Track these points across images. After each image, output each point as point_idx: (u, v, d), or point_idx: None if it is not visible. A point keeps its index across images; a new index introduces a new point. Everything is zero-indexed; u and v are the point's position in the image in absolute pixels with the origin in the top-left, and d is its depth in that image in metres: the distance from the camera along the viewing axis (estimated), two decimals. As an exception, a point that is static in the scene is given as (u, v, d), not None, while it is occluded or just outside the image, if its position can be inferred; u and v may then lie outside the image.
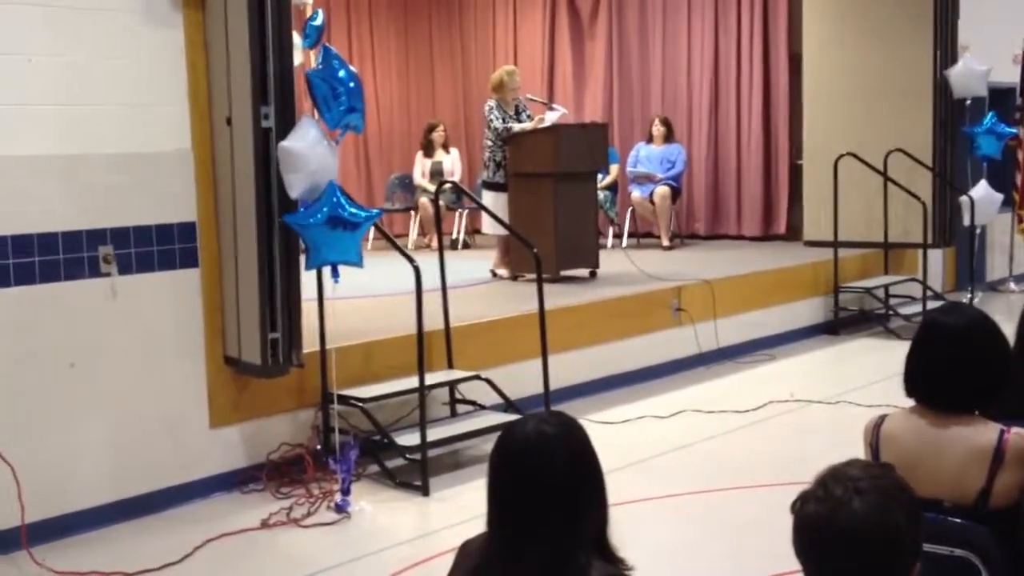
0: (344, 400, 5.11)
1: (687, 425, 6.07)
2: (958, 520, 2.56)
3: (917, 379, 2.71)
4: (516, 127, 7.87)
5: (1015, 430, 2.60)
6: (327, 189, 4.59)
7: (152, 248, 4.72)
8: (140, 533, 4.52)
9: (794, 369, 7.52)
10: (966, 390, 2.65)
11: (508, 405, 5.64)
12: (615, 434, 5.87)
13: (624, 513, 4.24)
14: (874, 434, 2.75)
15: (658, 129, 9.98)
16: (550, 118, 7.97)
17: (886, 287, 8.75)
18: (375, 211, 4.73)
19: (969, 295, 8.67)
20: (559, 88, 11.35)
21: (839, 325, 8.55)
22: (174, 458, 4.82)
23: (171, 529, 4.54)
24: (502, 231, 7.40)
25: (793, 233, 10.00)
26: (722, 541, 4.36)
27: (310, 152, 4.58)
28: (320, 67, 4.69)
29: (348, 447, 4.78)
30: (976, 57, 8.85)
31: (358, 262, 4.76)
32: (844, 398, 6.39)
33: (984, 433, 2.59)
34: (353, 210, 4.62)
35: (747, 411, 6.24)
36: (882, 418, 2.79)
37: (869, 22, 9.24)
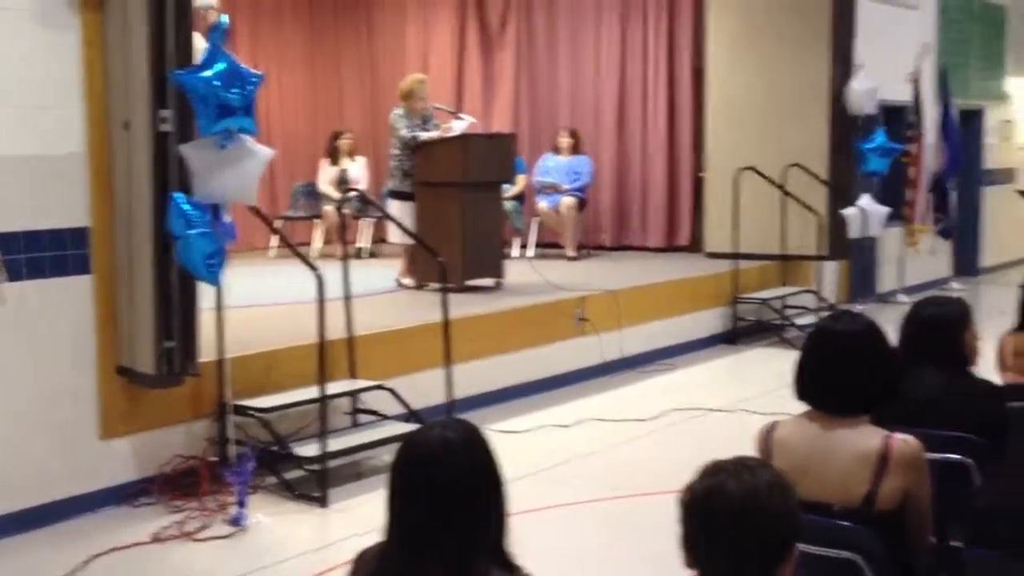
0: (242, 411, 5.02)
1: (590, 433, 6.12)
2: (845, 523, 2.62)
3: (807, 383, 2.78)
4: (423, 136, 7.85)
5: (900, 436, 2.68)
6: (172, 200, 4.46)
7: (43, 254, 4.57)
8: (27, 547, 4.37)
9: (694, 378, 7.65)
10: (853, 395, 2.73)
11: (411, 415, 5.60)
12: (519, 443, 5.88)
13: (527, 521, 4.27)
14: (766, 440, 2.81)
15: (565, 140, 10.06)
16: (457, 127, 7.97)
17: (783, 298, 8.96)
18: (198, 231, 4.50)
19: (858, 306, 8.93)
20: (468, 98, 11.35)
21: (738, 335, 8.73)
22: (63, 470, 4.66)
23: (59, 543, 4.40)
24: (408, 240, 7.36)
25: (696, 245, 10.17)
26: (623, 548, 4.40)
27: (206, 156, 4.50)
28: (201, 66, 4.51)
29: (244, 458, 4.69)
30: (872, 75, 9.14)
31: (205, 278, 4.56)
32: (741, 406, 6.52)
33: (870, 438, 2.66)
34: (193, 222, 4.44)
35: (648, 419, 6.32)
36: (774, 424, 2.85)
37: (769, 40, 9.47)
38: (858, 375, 2.72)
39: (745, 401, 6.62)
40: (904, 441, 2.65)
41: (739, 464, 1.88)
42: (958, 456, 3.15)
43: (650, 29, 10.47)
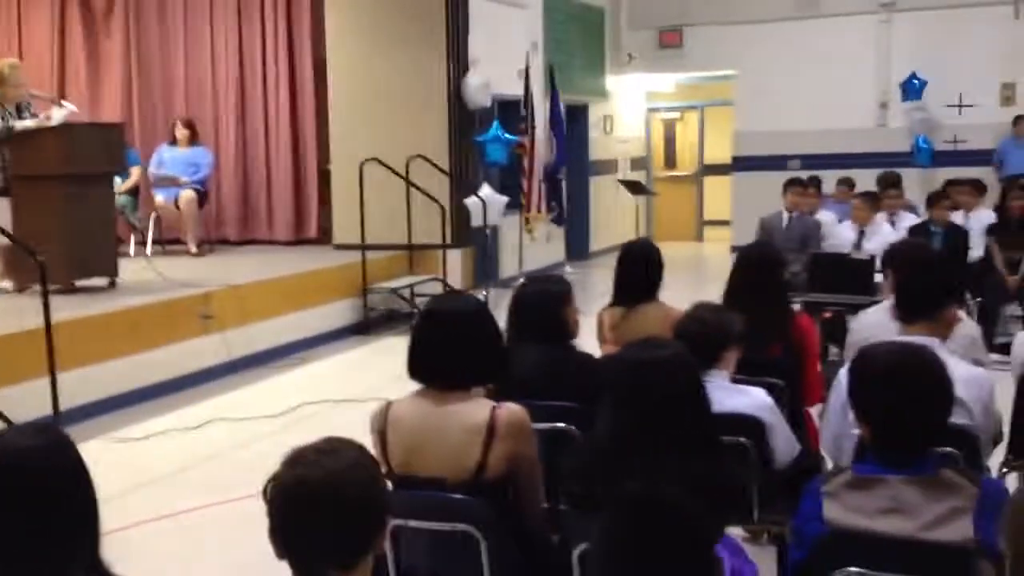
0: None
1: (216, 435, 5.90)
2: (458, 496, 2.70)
3: (419, 362, 2.83)
4: (18, 125, 7.17)
5: (505, 406, 2.80)
6: None
7: None
8: None
9: (326, 370, 7.62)
10: (463, 371, 2.81)
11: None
12: (139, 450, 5.57)
13: (144, 532, 4.02)
14: (382, 420, 2.83)
15: (181, 131, 9.62)
16: (58, 116, 7.35)
17: (411, 287, 9.15)
18: None
19: (483, 291, 9.31)
20: (71, 85, 10.57)
21: (369, 325, 8.79)
22: None
23: None
24: (3, 240, 6.70)
25: (325, 236, 10.14)
26: (244, 550, 4.25)
27: None
28: None
29: None
30: (486, 71, 9.54)
31: None
32: (373, 395, 6.54)
33: (478, 410, 2.76)
34: None
35: (279, 415, 6.21)
36: (389, 404, 2.88)
37: (387, 34, 9.62)
38: (466, 352, 2.81)
39: (376, 389, 6.65)
40: (508, 410, 2.77)
41: (320, 449, 1.86)
42: (563, 425, 3.35)
43: (268, 19, 10.32)
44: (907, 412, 2.27)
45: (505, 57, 10.53)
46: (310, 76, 10.24)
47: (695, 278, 10.77)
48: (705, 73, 14.18)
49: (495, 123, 9.79)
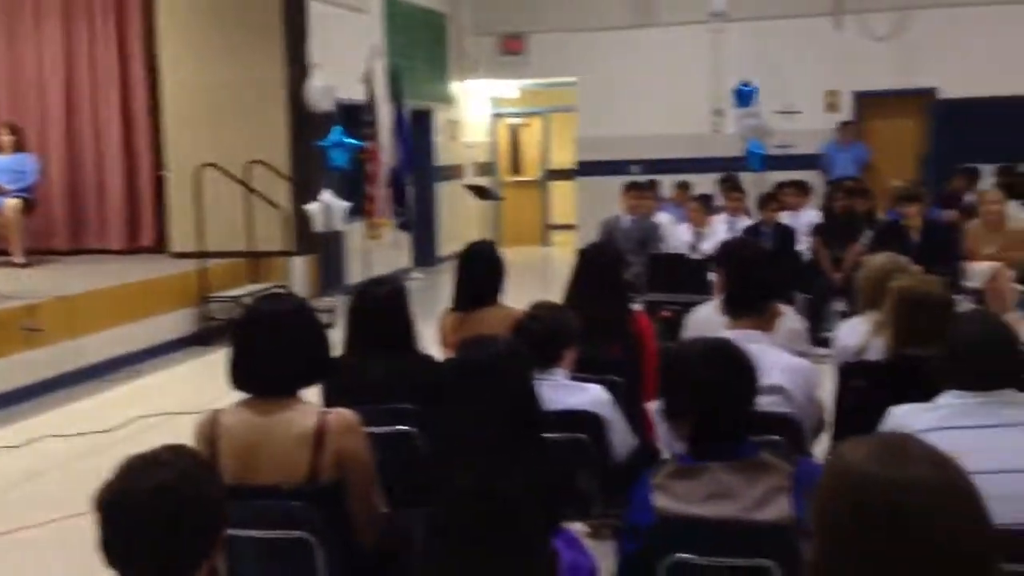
0: None
1: (43, 453, 5.61)
2: (292, 503, 2.64)
3: (241, 370, 2.75)
4: None
5: (335, 411, 2.75)
6: None
7: None
8: None
9: (163, 383, 7.35)
10: (286, 374, 2.74)
11: None
12: (-44, 473, 5.24)
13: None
14: (208, 430, 2.75)
15: (6, 138, 9.13)
16: None
17: (253, 295, 8.93)
18: None
19: (328, 298, 9.17)
20: None
21: (209, 335, 8.53)
22: None
23: None
24: None
25: (161, 245, 9.80)
26: (72, 569, 4.06)
27: None
28: None
29: None
30: (327, 75, 9.41)
31: None
32: (213, 407, 6.36)
33: (306, 416, 2.70)
34: None
35: (111, 430, 5.95)
36: (217, 413, 2.80)
37: (222, 38, 9.37)
38: (289, 353, 2.73)
39: (217, 402, 6.39)
40: (337, 414, 2.72)
41: (151, 459, 1.80)
42: (405, 427, 3.32)
43: (97, 19, 9.91)
44: (715, 403, 2.33)
45: (347, 62, 10.40)
46: (142, 79, 9.88)
47: (540, 281, 10.88)
48: (547, 80, 14.37)
49: (337, 128, 9.66)
